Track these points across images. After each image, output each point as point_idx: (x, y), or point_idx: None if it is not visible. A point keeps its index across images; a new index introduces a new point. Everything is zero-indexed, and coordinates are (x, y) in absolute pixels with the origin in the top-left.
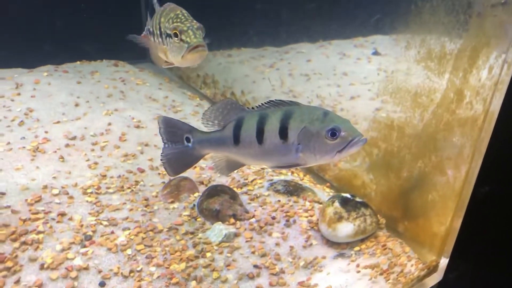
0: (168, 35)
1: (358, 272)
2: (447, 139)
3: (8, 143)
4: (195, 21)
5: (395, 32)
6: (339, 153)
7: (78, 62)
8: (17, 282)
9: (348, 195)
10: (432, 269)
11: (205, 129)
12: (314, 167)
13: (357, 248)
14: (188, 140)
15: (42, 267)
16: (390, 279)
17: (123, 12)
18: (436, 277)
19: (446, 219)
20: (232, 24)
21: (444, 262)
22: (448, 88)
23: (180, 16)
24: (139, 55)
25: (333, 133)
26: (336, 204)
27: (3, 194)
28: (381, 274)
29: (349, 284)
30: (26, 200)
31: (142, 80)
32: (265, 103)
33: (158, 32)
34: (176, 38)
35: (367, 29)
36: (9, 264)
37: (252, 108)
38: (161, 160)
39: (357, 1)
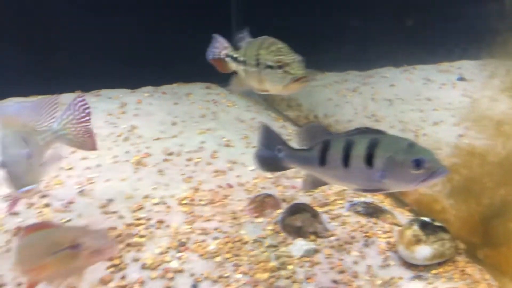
0: (269, 66)
1: None
2: None
3: (115, 156)
4: (296, 55)
5: (481, 58)
6: (422, 182)
7: (175, 84)
8: (123, 278)
9: (427, 219)
10: None
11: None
12: None
13: (434, 271)
14: (279, 151)
15: (143, 266)
16: None
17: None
18: None
19: None
20: (318, 49)
21: None
22: None
23: (282, 49)
24: (227, 78)
25: (418, 164)
26: (415, 227)
27: (111, 200)
28: None
29: None
30: (130, 207)
31: (231, 102)
32: (352, 130)
33: (254, 63)
34: (280, 70)
35: (453, 54)
36: (116, 262)
37: (338, 133)
38: (253, 157)
39: (444, 28)
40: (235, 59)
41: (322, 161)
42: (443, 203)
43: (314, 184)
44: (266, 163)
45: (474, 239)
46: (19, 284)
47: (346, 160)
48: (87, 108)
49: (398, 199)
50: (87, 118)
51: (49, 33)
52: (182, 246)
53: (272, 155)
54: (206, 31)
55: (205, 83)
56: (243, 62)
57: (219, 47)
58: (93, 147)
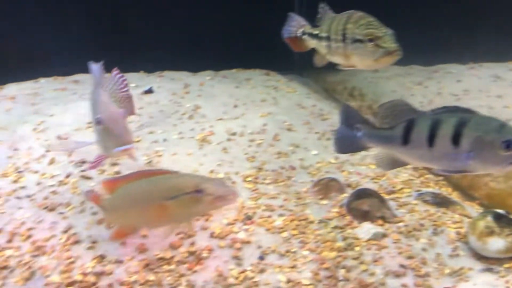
0: (358, 40)
1: None
2: None
3: (180, 132)
4: (387, 28)
5: None
6: (510, 164)
7: (234, 70)
8: (192, 244)
9: (502, 211)
10: None
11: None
12: (464, 184)
13: (507, 265)
14: (358, 129)
15: (211, 235)
16: None
17: (275, 24)
18: None
19: None
20: None
21: None
22: None
23: (372, 22)
24: (287, 66)
25: (508, 145)
26: (489, 218)
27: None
28: None
29: None
30: None
31: (292, 88)
32: (440, 108)
33: (340, 38)
34: (371, 43)
35: None
36: (185, 229)
37: (424, 112)
38: (333, 135)
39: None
40: (315, 36)
41: (405, 140)
42: None
43: (392, 164)
44: (344, 144)
45: None
46: (94, 242)
47: (431, 139)
48: (125, 79)
49: (467, 193)
50: (125, 88)
51: (117, 16)
52: (248, 219)
53: (351, 134)
54: (267, 18)
55: (264, 70)
56: (326, 38)
57: (296, 25)
58: (132, 112)
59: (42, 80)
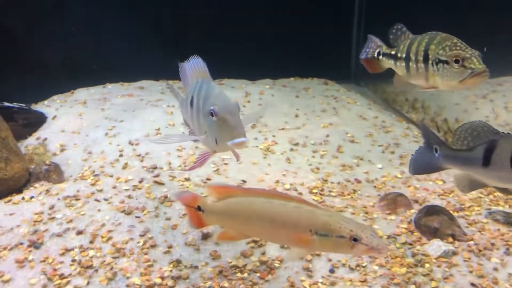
0: (442, 61)
1: None
2: None
3: None
4: (474, 50)
5: None
6: None
7: (292, 79)
8: (263, 253)
9: None
10: None
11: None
12: None
13: None
14: (436, 150)
15: (282, 246)
16: None
17: (333, 34)
18: None
19: None
20: None
21: None
22: None
23: (458, 44)
24: (344, 75)
25: None
26: None
27: (244, 181)
28: None
29: None
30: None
31: (352, 99)
32: None
33: (421, 58)
34: (457, 64)
35: None
36: (255, 238)
37: (508, 133)
38: (411, 156)
39: None
40: (393, 56)
41: (486, 161)
42: None
43: (471, 186)
44: (420, 164)
45: None
46: (170, 246)
47: None
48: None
49: None
50: None
51: (179, 23)
52: None
53: (429, 155)
54: (324, 27)
55: (322, 79)
56: (405, 59)
57: (373, 47)
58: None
59: (110, 86)
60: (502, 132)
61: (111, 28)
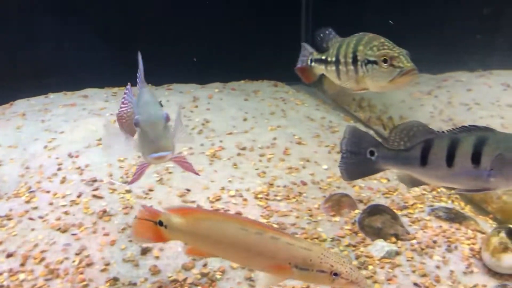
0: (371, 62)
1: None
2: None
3: (190, 148)
4: (401, 48)
5: None
6: None
7: (242, 82)
8: (205, 265)
9: None
10: None
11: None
12: (476, 198)
13: None
14: (372, 153)
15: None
16: None
17: (282, 36)
18: None
19: None
20: None
21: None
22: None
23: (386, 43)
24: (294, 77)
25: None
26: (502, 234)
27: (189, 190)
28: None
29: None
30: (208, 197)
31: (300, 100)
32: (457, 128)
33: (350, 60)
34: (385, 64)
35: None
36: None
37: (442, 132)
38: (339, 167)
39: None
40: (323, 61)
41: (424, 161)
42: None
43: (413, 183)
44: (355, 171)
45: None
46: (107, 264)
47: (450, 159)
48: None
49: (480, 207)
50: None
51: (126, 30)
52: None
53: (362, 159)
54: (273, 29)
55: (272, 81)
56: (335, 62)
57: (306, 54)
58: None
59: (52, 96)
60: (437, 131)
61: (54, 35)
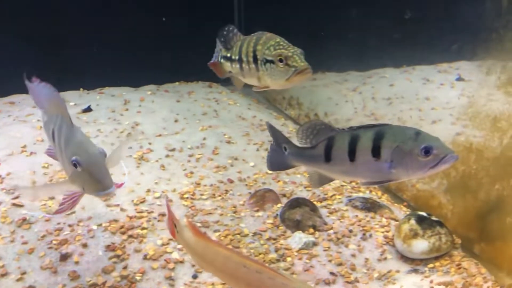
0: (269, 61)
1: None
2: None
3: None
4: (296, 48)
5: (477, 59)
6: (432, 169)
7: (177, 83)
8: (125, 268)
9: (424, 214)
10: None
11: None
12: (392, 187)
13: (431, 265)
14: (284, 149)
15: (145, 257)
16: None
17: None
18: None
19: None
20: (318, 49)
21: None
22: None
23: (281, 43)
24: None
25: (427, 151)
26: (412, 221)
27: (114, 194)
28: None
29: None
30: (133, 200)
31: (233, 100)
32: (356, 126)
33: (251, 59)
34: (281, 63)
35: (451, 55)
36: (118, 252)
37: (343, 129)
38: (267, 154)
39: (441, 28)
40: (228, 59)
41: (328, 157)
42: (440, 199)
43: (320, 181)
44: (275, 162)
45: (470, 234)
46: (23, 273)
47: (352, 154)
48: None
49: (396, 196)
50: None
51: (55, 31)
52: None
53: (280, 152)
54: (207, 30)
55: (207, 82)
56: (238, 61)
57: (218, 51)
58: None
59: None
60: (338, 128)
61: None
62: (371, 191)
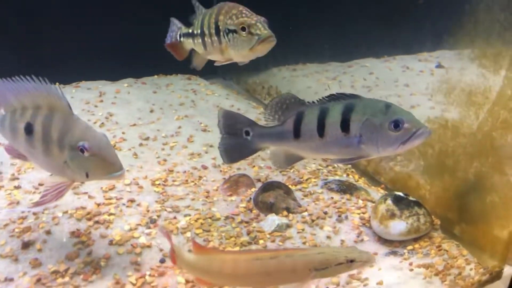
0: (232, 31)
1: (411, 270)
2: (505, 137)
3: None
4: (259, 16)
5: (457, 47)
6: (403, 144)
7: (156, 76)
8: (89, 254)
9: (401, 194)
10: (495, 275)
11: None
12: (370, 170)
13: (410, 247)
14: (247, 133)
15: (111, 243)
16: (447, 281)
17: None
18: (500, 286)
19: (509, 222)
20: (299, 40)
21: (509, 270)
22: (504, 85)
23: (244, 12)
24: (210, 71)
25: (396, 125)
26: (389, 201)
27: (82, 182)
28: (436, 274)
29: (401, 282)
30: (102, 188)
31: (211, 91)
32: (326, 97)
33: (213, 31)
34: (244, 32)
35: (432, 44)
36: (83, 238)
37: (312, 102)
38: (218, 148)
39: (422, 18)
40: (190, 35)
41: (297, 134)
42: (417, 179)
43: (288, 161)
44: (234, 152)
45: (450, 214)
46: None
47: (321, 129)
48: None
49: (373, 178)
50: None
51: (31, 25)
52: (152, 223)
53: (240, 140)
54: (186, 24)
55: (187, 75)
56: (200, 35)
57: (175, 30)
58: None
59: None
60: (308, 102)
61: None
62: (348, 175)
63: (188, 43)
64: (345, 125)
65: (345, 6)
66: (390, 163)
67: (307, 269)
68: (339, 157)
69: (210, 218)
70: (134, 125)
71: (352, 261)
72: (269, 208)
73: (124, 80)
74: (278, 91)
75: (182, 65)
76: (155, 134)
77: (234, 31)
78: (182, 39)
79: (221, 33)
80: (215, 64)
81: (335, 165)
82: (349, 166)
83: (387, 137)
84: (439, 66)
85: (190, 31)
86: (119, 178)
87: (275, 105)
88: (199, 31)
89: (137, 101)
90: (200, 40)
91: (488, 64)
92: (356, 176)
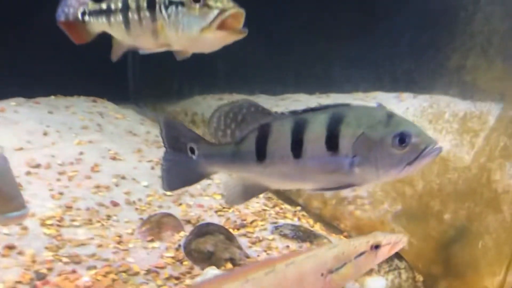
0: (175, 3)
1: None
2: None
3: None
4: None
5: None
6: (409, 166)
7: (52, 97)
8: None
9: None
10: None
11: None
12: (327, 215)
13: None
14: (192, 151)
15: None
16: None
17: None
18: None
19: (501, 268)
20: (226, 69)
21: None
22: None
23: None
24: (120, 95)
25: (402, 140)
26: None
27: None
28: None
29: None
30: None
31: (122, 115)
32: (301, 109)
33: (145, 4)
34: (197, 4)
35: (367, 84)
36: None
37: (281, 113)
38: (161, 167)
39: (352, 60)
40: (104, 12)
41: (261, 155)
42: (392, 226)
43: (248, 193)
44: (177, 175)
45: (434, 268)
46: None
47: (297, 148)
48: None
49: (331, 225)
50: None
51: None
52: (39, 279)
53: (183, 159)
54: (90, 43)
55: (91, 97)
56: (122, 11)
57: (74, 5)
58: None
59: None
60: (276, 112)
61: None
62: (299, 218)
63: (99, 25)
64: (332, 142)
65: (277, 38)
66: (350, 207)
67: (319, 274)
68: (322, 185)
69: (124, 272)
70: (21, 149)
71: (377, 246)
72: (207, 259)
73: (13, 99)
74: (204, 118)
75: (85, 87)
76: (48, 161)
77: (181, 3)
78: (88, 18)
79: (158, 7)
80: (140, 52)
81: (283, 207)
82: (299, 209)
83: (389, 156)
84: (380, 105)
85: (104, 7)
86: (19, 219)
87: (225, 117)
88: (119, 6)
89: (27, 121)
90: (120, 18)
91: None
92: (311, 221)
